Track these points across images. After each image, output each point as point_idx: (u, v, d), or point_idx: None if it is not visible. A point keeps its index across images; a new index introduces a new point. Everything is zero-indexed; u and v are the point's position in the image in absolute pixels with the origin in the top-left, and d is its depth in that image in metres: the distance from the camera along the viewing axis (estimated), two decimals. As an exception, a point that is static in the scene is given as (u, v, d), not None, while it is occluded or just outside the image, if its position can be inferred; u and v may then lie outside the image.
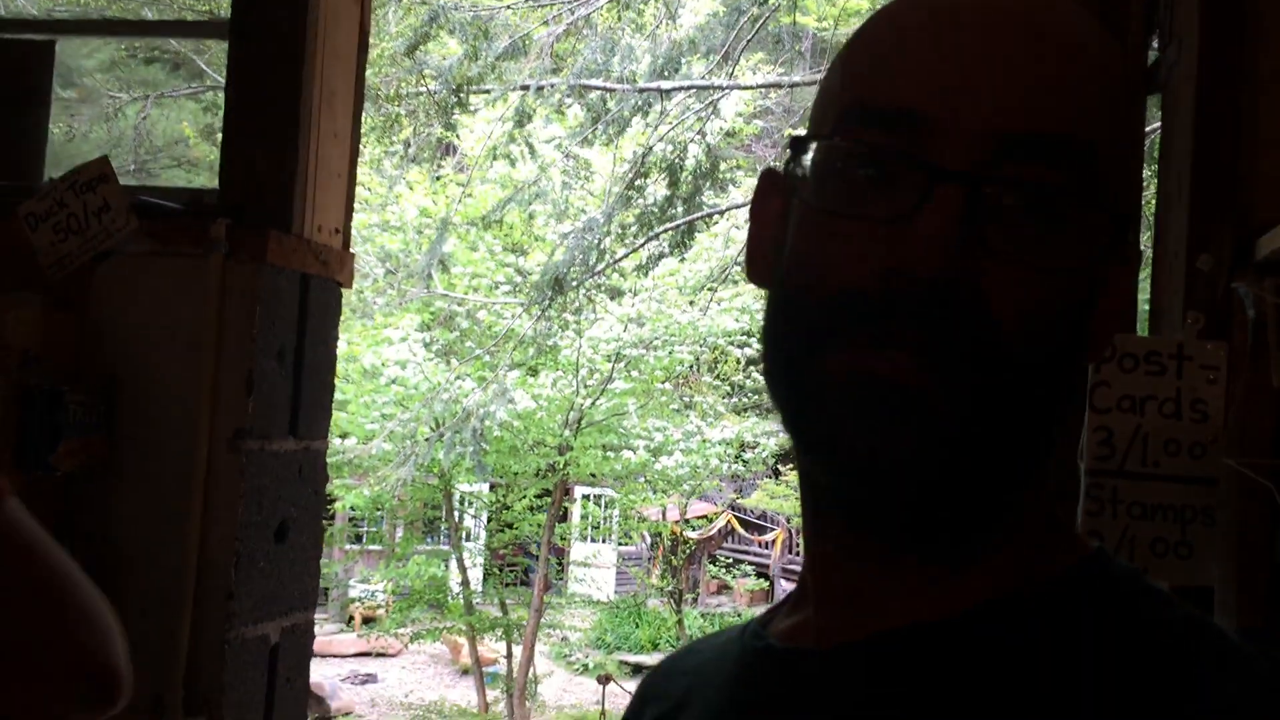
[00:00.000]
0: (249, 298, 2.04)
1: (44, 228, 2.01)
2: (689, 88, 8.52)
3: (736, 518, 19.40)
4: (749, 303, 11.41)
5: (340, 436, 11.06)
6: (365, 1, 2.35)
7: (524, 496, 13.50)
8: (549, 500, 13.38)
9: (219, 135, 2.21)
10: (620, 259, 9.61)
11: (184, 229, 2.07)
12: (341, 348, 2.30)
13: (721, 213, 10.22)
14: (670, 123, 8.52)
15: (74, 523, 1.99)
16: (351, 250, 2.35)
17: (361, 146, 2.35)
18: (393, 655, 15.52)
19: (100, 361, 2.02)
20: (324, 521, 2.34)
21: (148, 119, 10.03)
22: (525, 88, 8.52)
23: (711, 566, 19.22)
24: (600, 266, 9.34)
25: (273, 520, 2.13)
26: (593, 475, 13.51)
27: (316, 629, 2.29)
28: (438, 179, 11.71)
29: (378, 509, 13.82)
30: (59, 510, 1.97)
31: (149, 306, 2.05)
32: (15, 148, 2.25)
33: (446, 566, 14.04)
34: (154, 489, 2.02)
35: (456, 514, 13.75)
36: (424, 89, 8.87)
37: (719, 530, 18.96)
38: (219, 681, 2.01)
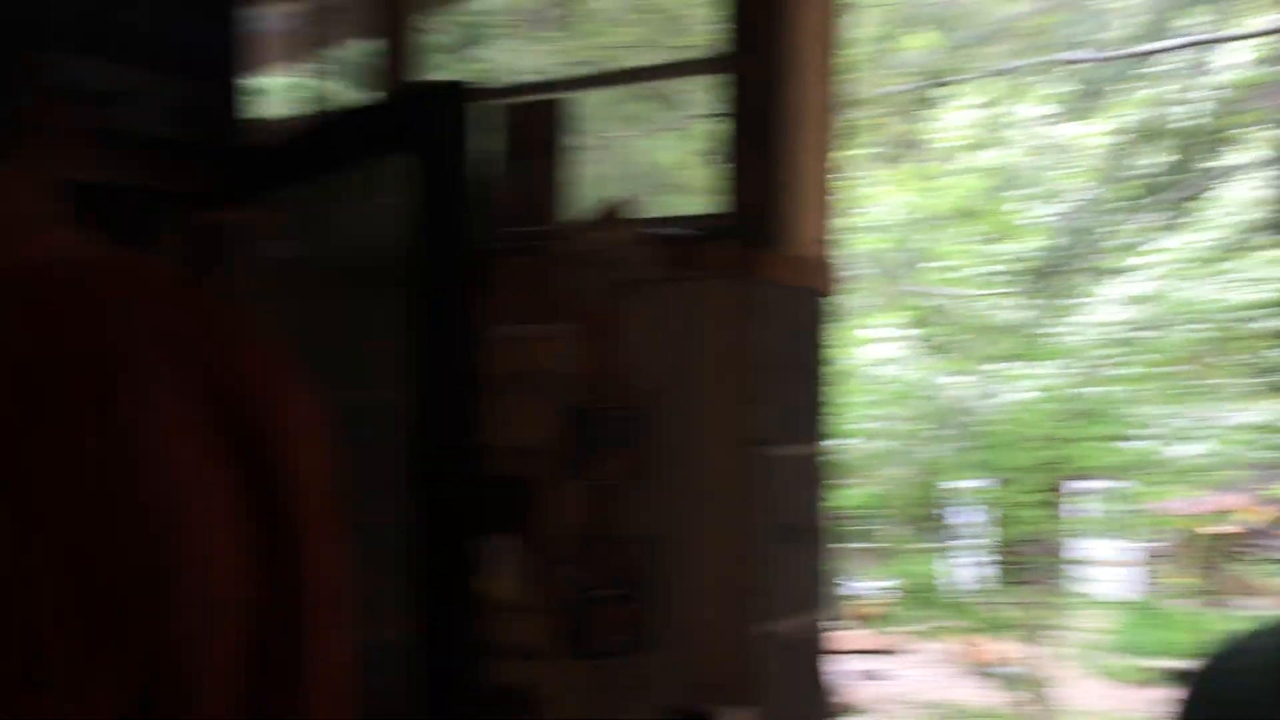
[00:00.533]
0: (750, 313, 2.19)
1: (569, 265, 2.27)
2: (1181, 46, 7.87)
3: (1274, 510, 17.48)
4: (1268, 271, 10.26)
5: (840, 438, 11.25)
6: (834, 14, 2.42)
7: (1025, 491, 13.02)
8: (1052, 494, 12.81)
9: (709, 161, 2.38)
10: (1114, 237, 9.04)
11: (689, 253, 2.25)
12: (834, 351, 2.40)
13: (1228, 174, 9.31)
14: (1162, 84, 7.92)
15: (620, 528, 2.22)
16: (835, 255, 2.44)
17: (838, 153, 2.44)
18: (899, 653, 15.52)
19: (632, 381, 2.25)
20: (828, 521, 2.44)
21: (646, 152, 10.80)
22: (1002, 71, 8.27)
23: (1246, 564, 17.46)
24: (1092, 247, 8.84)
25: (783, 522, 2.26)
26: (1097, 467, 12.74)
27: (824, 626, 2.39)
28: (915, 175, 11.62)
29: (877, 507, 13.90)
30: (606, 517, 2.21)
31: (668, 328, 2.25)
32: (536, 196, 2.53)
33: (948, 564, 13.84)
34: (683, 496, 2.21)
35: (955, 510, 13.53)
36: (896, 87, 8.87)
37: (1252, 524, 17.19)
38: (752, 674, 2.16)
